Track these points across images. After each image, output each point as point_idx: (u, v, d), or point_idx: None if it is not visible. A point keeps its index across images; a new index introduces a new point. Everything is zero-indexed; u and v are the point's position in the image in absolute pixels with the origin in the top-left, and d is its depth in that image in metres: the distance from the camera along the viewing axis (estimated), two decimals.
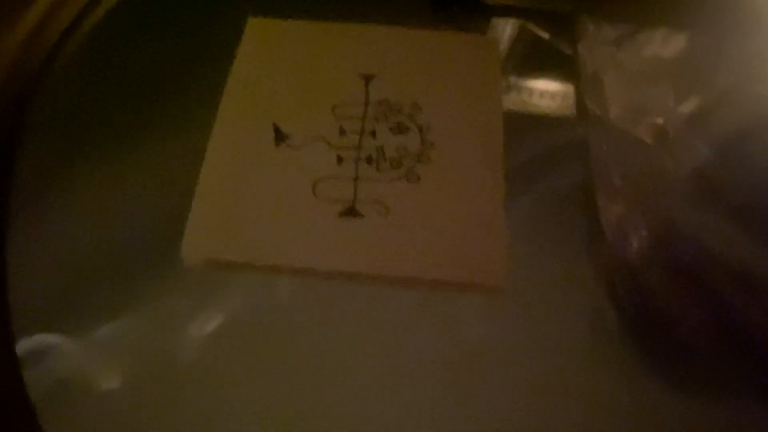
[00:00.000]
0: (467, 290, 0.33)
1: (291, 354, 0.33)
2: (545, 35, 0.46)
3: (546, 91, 0.43)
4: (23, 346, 0.34)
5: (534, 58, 0.44)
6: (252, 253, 0.33)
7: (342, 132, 0.37)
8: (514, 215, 0.35)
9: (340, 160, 0.36)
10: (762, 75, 0.41)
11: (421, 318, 0.33)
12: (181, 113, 0.39)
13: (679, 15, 0.45)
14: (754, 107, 0.40)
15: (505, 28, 0.46)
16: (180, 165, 0.37)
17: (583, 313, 0.32)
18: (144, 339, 0.34)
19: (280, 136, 0.37)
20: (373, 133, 0.38)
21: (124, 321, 0.34)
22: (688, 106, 0.40)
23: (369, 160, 0.36)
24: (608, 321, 0.32)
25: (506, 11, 0.47)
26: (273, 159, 0.36)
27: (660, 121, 0.39)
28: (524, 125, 0.39)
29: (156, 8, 0.44)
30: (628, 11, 0.45)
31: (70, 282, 0.36)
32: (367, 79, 0.40)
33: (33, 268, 0.36)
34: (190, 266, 0.33)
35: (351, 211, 0.34)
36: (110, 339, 0.34)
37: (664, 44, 0.43)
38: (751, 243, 0.34)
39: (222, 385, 0.32)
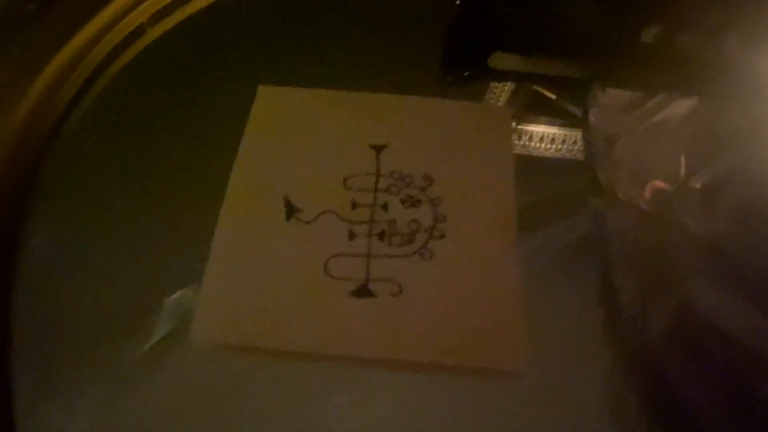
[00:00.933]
0: (484, 376, 0.32)
1: None
2: (554, 98, 0.46)
3: (558, 159, 0.43)
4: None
5: (545, 123, 0.44)
6: (263, 338, 0.32)
7: (354, 205, 0.37)
8: (531, 292, 0.34)
9: (352, 235, 0.36)
10: None
11: (436, 403, 0.32)
12: (191, 185, 0.39)
13: (688, 82, 0.45)
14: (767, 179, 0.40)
15: (517, 93, 0.46)
16: (190, 239, 0.37)
17: (602, 399, 0.32)
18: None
19: (291, 210, 0.37)
20: (385, 206, 0.37)
21: (124, 392, 0.34)
22: (701, 178, 0.40)
23: (381, 235, 0.36)
24: (627, 407, 0.32)
25: (516, 76, 0.47)
26: (284, 234, 0.36)
27: (673, 193, 0.38)
28: (536, 200, 0.39)
29: (165, 74, 0.44)
30: (637, 77, 0.45)
31: (73, 351, 0.35)
32: (379, 149, 0.40)
33: (37, 334, 0.36)
34: (199, 349, 0.33)
35: (363, 291, 0.34)
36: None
37: (674, 112, 0.43)
38: (762, 319, 0.33)
39: None
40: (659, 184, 0.39)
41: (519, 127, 0.46)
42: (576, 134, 0.44)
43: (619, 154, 0.41)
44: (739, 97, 0.44)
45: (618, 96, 0.44)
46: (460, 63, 0.46)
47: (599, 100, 0.43)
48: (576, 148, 0.44)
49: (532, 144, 0.48)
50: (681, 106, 0.44)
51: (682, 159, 0.40)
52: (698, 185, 0.39)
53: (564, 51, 0.46)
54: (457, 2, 0.46)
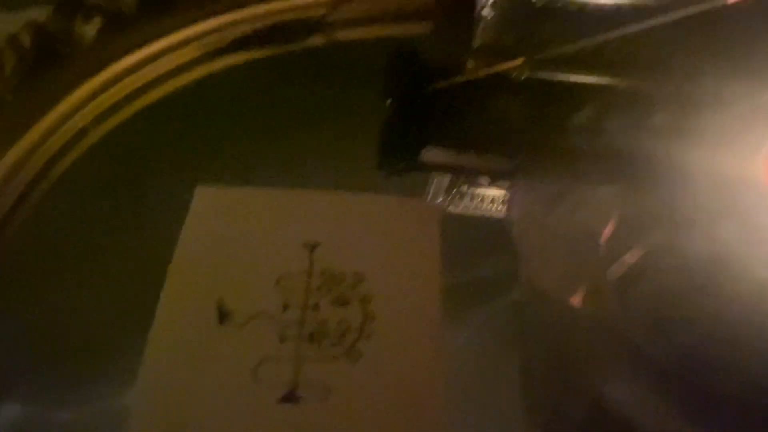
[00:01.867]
0: None
1: None
2: (485, 193, 0.49)
3: (483, 252, 0.45)
4: None
5: (475, 222, 0.46)
6: None
7: (285, 307, 0.38)
8: (456, 393, 0.36)
9: (282, 338, 0.37)
10: (693, 234, 0.44)
11: None
12: (129, 288, 0.40)
13: (609, 171, 0.48)
14: (684, 269, 0.42)
15: (448, 186, 0.48)
16: (125, 343, 0.38)
17: None
18: None
19: (223, 315, 0.38)
20: (316, 306, 0.39)
21: None
22: (618, 268, 0.42)
23: (311, 337, 0.37)
24: None
25: (447, 169, 0.49)
26: (216, 339, 0.37)
27: (591, 286, 0.40)
28: (463, 293, 0.41)
29: (104, 178, 0.45)
30: (561, 168, 0.48)
31: None
32: (312, 247, 0.41)
33: None
34: None
35: (291, 396, 0.35)
36: None
37: (595, 202, 0.46)
38: (678, 414, 0.35)
39: None
40: (577, 274, 0.41)
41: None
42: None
43: (539, 245, 0.43)
44: (659, 186, 0.46)
45: (541, 187, 0.46)
46: (394, 158, 0.48)
47: (521, 196, 0.45)
48: None
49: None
50: (602, 196, 0.46)
51: (601, 251, 0.42)
52: (615, 276, 0.41)
53: (492, 144, 0.49)
54: (388, 103, 0.48)
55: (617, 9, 0.53)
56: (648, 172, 0.46)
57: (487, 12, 0.54)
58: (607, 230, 0.43)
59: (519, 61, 0.49)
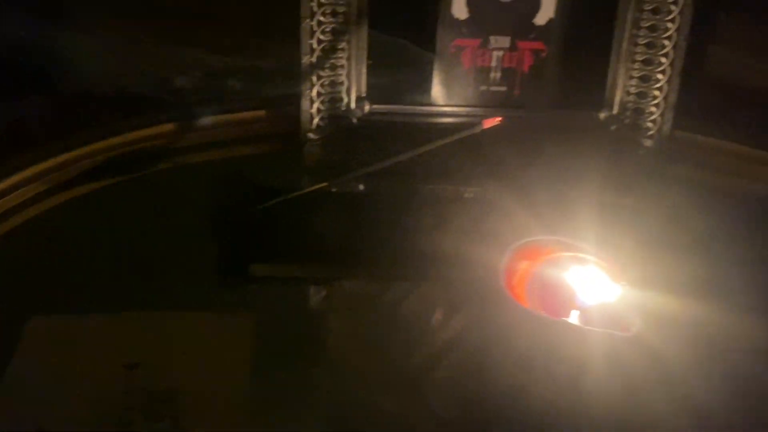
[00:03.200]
0: None
1: None
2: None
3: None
4: None
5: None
6: None
7: (99, 426, 0.42)
8: None
9: None
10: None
11: None
12: None
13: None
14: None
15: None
16: None
17: None
18: None
19: None
20: (130, 423, 0.43)
21: None
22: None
23: None
24: None
25: (275, 280, 0.54)
26: None
27: None
28: None
29: None
30: (373, 274, 0.54)
31: None
32: (131, 367, 0.46)
33: None
34: None
35: None
36: None
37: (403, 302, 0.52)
38: None
39: None
40: None
41: None
42: None
43: None
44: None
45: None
46: (224, 273, 0.54)
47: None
48: None
49: None
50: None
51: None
52: None
53: (313, 257, 0.55)
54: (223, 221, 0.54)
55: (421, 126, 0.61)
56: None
57: (311, 134, 0.61)
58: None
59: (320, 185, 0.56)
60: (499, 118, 0.55)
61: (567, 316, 0.40)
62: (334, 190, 0.58)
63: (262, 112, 0.66)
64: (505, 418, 0.39)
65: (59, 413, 0.43)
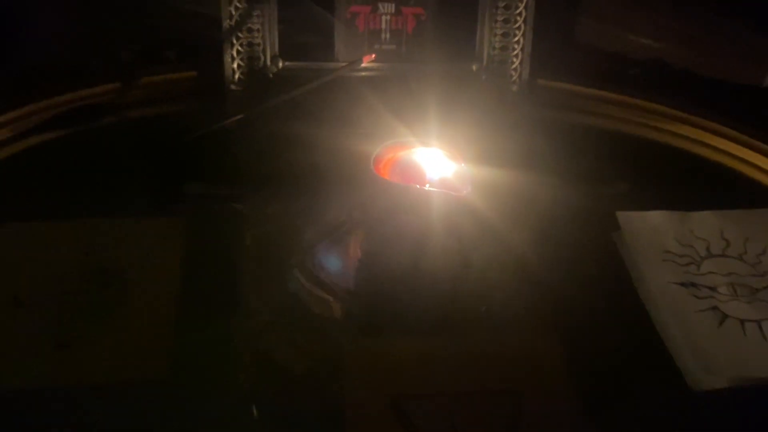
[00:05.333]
0: None
1: None
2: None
3: None
4: None
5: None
6: None
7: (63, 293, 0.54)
8: None
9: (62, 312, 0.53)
10: None
11: None
12: None
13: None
14: None
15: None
16: None
17: None
18: None
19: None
20: (87, 291, 0.54)
21: None
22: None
23: (81, 307, 0.53)
24: None
25: (202, 197, 0.66)
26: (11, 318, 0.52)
27: None
28: None
29: None
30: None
31: None
32: (86, 254, 0.57)
33: None
34: None
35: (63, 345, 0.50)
36: None
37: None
38: None
39: None
40: None
41: None
42: None
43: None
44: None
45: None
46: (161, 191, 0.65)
47: None
48: None
49: None
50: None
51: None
52: None
53: (232, 179, 0.67)
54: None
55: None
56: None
57: (233, 86, 0.74)
58: None
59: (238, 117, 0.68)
60: (374, 55, 0.69)
61: (420, 185, 0.54)
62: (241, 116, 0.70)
63: (192, 72, 0.78)
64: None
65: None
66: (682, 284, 0.59)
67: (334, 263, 0.56)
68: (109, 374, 0.49)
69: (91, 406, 0.48)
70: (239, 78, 0.74)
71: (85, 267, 0.56)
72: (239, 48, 0.73)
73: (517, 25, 0.75)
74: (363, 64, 0.74)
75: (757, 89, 0.85)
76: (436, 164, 0.55)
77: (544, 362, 0.52)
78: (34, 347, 0.50)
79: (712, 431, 0.51)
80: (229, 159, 0.68)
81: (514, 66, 0.76)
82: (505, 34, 0.75)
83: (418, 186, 0.53)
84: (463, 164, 0.55)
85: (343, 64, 0.74)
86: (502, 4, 0.74)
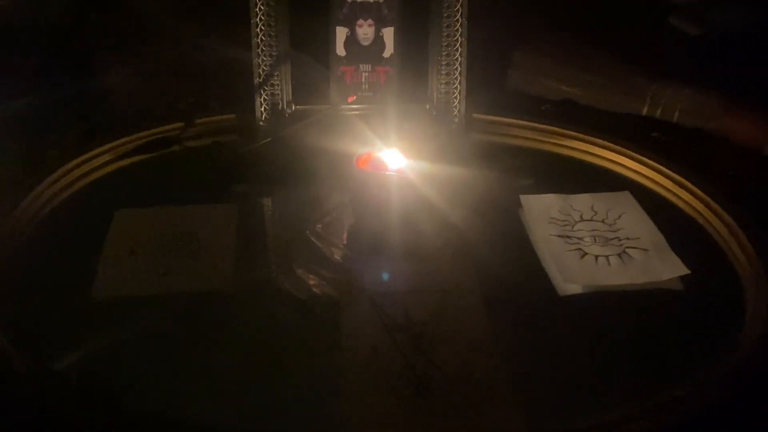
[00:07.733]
0: None
1: None
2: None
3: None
4: None
5: None
6: None
7: (162, 248, 0.86)
8: None
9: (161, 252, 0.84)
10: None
11: None
12: None
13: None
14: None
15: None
16: None
17: None
18: None
19: (132, 252, 0.85)
20: (170, 251, 0.86)
21: None
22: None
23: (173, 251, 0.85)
24: None
25: (246, 195, 0.99)
26: (130, 261, 0.83)
27: None
28: None
29: None
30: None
31: None
32: (175, 228, 0.89)
33: None
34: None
35: None
36: None
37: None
38: None
39: None
40: None
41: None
42: None
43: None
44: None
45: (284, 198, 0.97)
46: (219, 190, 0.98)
47: None
48: None
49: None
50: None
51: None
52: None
53: (265, 182, 1.00)
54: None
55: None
56: None
57: (261, 123, 1.07)
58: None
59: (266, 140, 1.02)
60: (355, 97, 1.03)
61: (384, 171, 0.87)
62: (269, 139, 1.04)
63: (232, 116, 1.12)
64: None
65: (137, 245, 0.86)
66: (559, 236, 0.91)
67: (335, 228, 0.89)
68: (193, 287, 0.80)
69: (182, 309, 0.79)
70: (265, 117, 1.07)
71: (173, 232, 0.88)
72: (265, 96, 1.06)
73: (455, 75, 1.09)
74: (348, 104, 1.07)
75: (637, 116, 1.19)
76: (394, 159, 0.88)
77: (463, 282, 0.83)
78: (146, 275, 0.82)
79: (572, 321, 0.82)
80: (261, 168, 1.01)
81: (455, 104, 1.10)
82: (448, 83, 1.09)
83: (383, 172, 0.86)
84: (411, 160, 0.89)
85: (336, 105, 1.08)
86: (444, 62, 1.08)
